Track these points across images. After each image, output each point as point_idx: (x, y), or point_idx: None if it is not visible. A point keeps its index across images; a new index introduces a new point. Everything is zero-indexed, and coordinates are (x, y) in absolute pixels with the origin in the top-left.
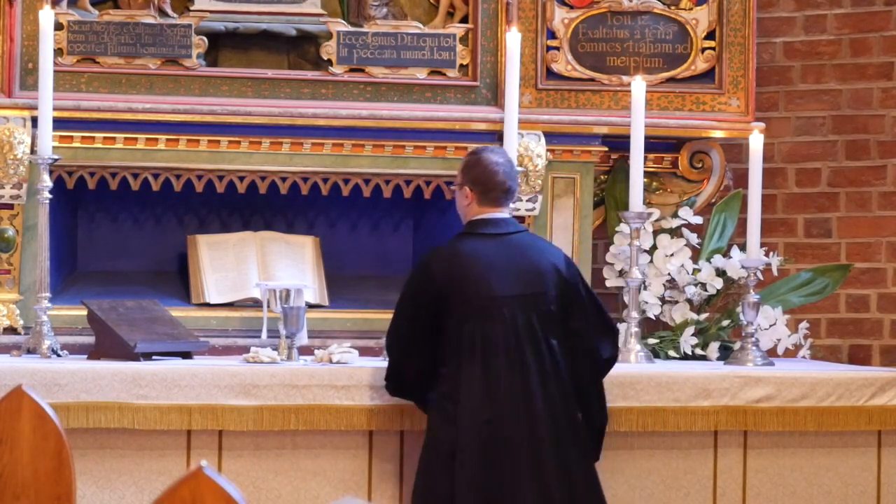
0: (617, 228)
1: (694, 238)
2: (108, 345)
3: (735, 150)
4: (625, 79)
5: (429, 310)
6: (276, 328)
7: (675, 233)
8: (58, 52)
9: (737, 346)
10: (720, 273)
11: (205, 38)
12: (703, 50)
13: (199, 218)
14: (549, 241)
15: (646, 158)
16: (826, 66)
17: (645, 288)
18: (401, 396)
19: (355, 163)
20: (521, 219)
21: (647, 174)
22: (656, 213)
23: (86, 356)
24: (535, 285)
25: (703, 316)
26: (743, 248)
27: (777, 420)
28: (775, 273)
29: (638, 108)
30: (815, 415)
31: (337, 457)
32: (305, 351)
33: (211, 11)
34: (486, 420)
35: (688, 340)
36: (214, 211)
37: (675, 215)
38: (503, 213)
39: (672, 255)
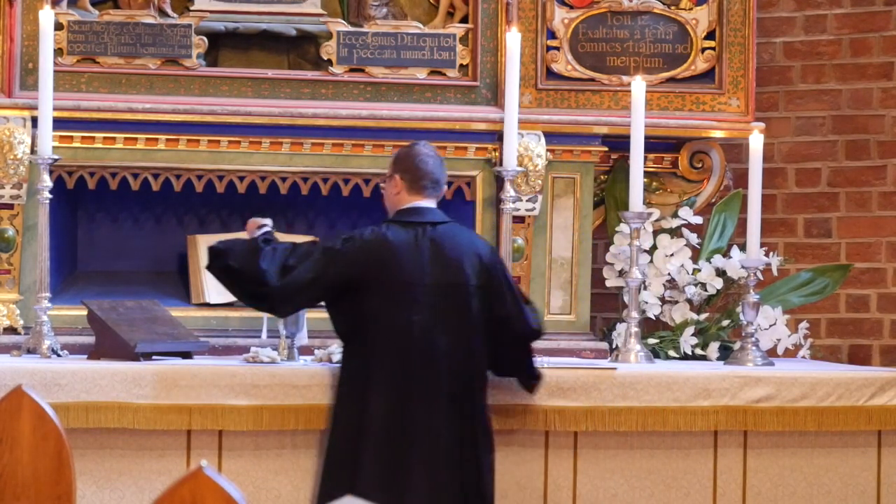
0: (617, 228)
1: (694, 238)
2: (108, 345)
3: (735, 150)
4: (625, 79)
5: (337, 278)
6: (276, 328)
7: (675, 233)
8: (58, 52)
9: (737, 346)
10: (720, 273)
11: (205, 38)
12: (703, 50)
13: (199, 218)
14: (474, 232)
15: (646, 158)
16: (826, 66)
17: (645, 288)
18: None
19: (355, 163)
20: (521, 219)
21: (647, 174)
22: (656, 213)
23: (86, 356)
24: (455, 275)
25: (703, 316)
26: (743, 248)
27: (777, 420)
28: (775, 273)
29: (638, 108)
30: (815, 415)
31: None
32: (305, 351)
33: (211, 11)
34: (392, 405)
35: (688, 340)
36: (214, 211)
37: (675, 215)
38: (430, 203)
39: (672, 255)
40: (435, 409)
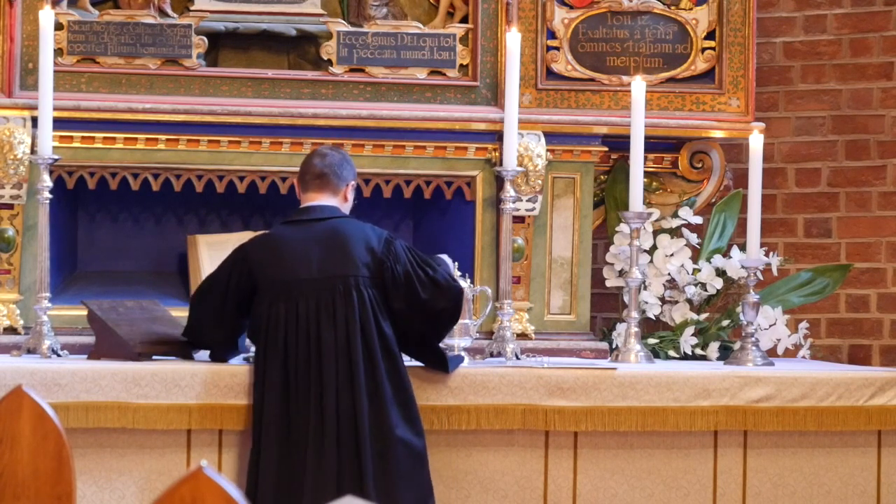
0: (617, 228)
1: (694, 238)
2: (108, 345)
3: (735, 150)
4: (625, 79)
5: (237, 290)
6: None
7: (675, 233)
8: (58, 52)
9: (737, 346)
10: (720, 273)
11: (205, 38)
12: (703, 50)
13: (199, 218)
14: (368, 225)
15: (646, 158)
16: (826, 66)
17: (645, 288)
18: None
19: (355, 163)
20: (521, 219)
21: (647, 174)
22: (656, 213)
23: (86, 356)
24: (343, 268)
25: (703, 316)
26: (743, 248)
27: (777, 420)
28: (775, 273)
29: (638, 108)
30: (815, 415)
31: None
32: None
33: (211, 11)
34: (282, 403)
35: (688, 340)
36: (214, 211)
37: (675, 215)
38: (322, 200)
39: (672, 255)
40: (323, 405)
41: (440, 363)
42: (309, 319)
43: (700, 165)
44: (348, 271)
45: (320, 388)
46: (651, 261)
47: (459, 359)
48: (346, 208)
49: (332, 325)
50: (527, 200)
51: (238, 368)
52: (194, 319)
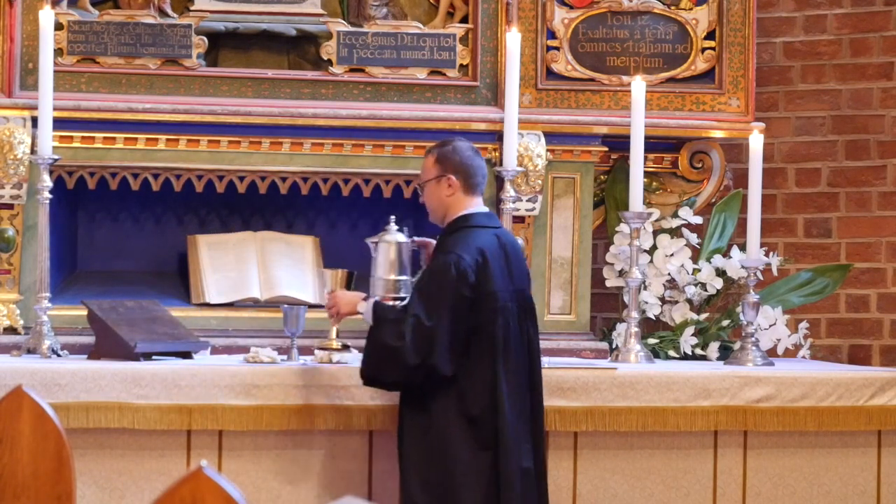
0: (617, 228)
1: (694, 238)
2: (108, 345)
3: (735, 150)
4: (625, 79)
5: (464, 312)
6: (281, 328)
7: (675, 233)
8: (58, 52)
9: (737, 346)
10: (720, 273)
11: (205, 38)
12: (703, 50)
13: (199, 218)
14: None
15: (646, 158)
16: (826, 66)
17: (645, 288)
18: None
19: (355, 163)
20: (521, 219)
21: (647, 174)
22: (656, 213)
23: (86, 356)
24: (524, 280)
25: (703, 316)
26: (743, 248)
27: (777, 420)
28: (775, 273)
29: (638, 108)
30: (815, 415)
31: (337, 457)
32: (305, 351)
33: (211, 11)
34: (519, 412)
35: (688, 340)
36: (214, 211)
37: (675, 215)
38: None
39: (672, 255)
40: (534, 412)
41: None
42: (512, 333)
43: (700, 165)
44: (526, 284)
45: (531, 390)
46: (651, 261)
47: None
48: None
49: (524, 338)
50: (527, 200)
51: (238, 369)
52: (431, 368)
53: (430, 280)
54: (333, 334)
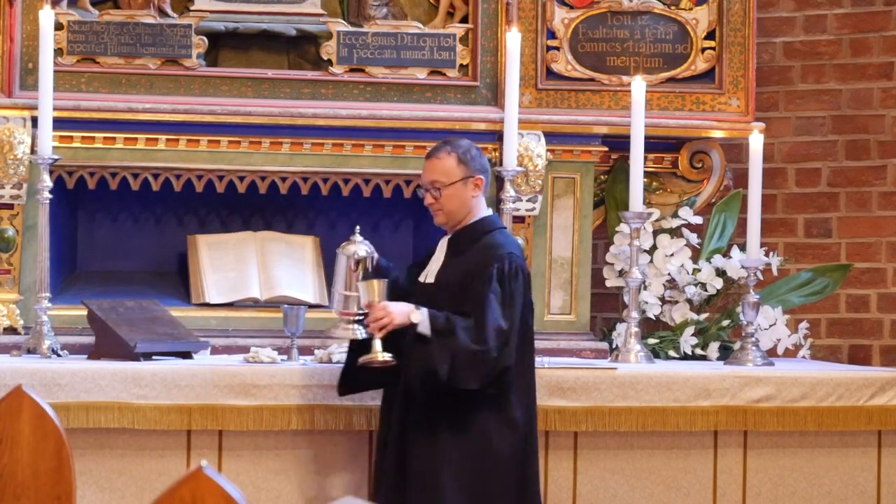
0: (617, 228)
1: (694, 238)
2: (108, 345)
3: (735, 150)
4: (625, 79)
5: (526, 313)
6: (281, 328)
7: (675, 233)
8: (58, 52)
9: (737, 346)
10: (720, 273)
11: (205, 38)
12: (703, 50)
13: (199, 218)
14: None
15: (646, 158)
16: (826, 66)
17: (645, 288)
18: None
19: (355, 163)
20: (521, 219)
21: (647, 174)
22: (656, 213)
23: (86, 356)
24: None
25: (703, 316)
26: (743, 248)
27: (777, 420)
28: (775, 273)
29: (638, 108)
30: (815, 415)
31: (337, 457)
32: (305, 351)
33: (211, 11)
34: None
35: (688, 340)
36: (214, 211)
37: (675, 215)
38: None
39: (672, 255)
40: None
41: None
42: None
43: (700, 165)
44: None
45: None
46: (651, 261)
47: None
48: None
49: None
50: (527, 200)
51: (238, 369)
52: (504, 370)
53: (503, 282)
54: (378, 346)
